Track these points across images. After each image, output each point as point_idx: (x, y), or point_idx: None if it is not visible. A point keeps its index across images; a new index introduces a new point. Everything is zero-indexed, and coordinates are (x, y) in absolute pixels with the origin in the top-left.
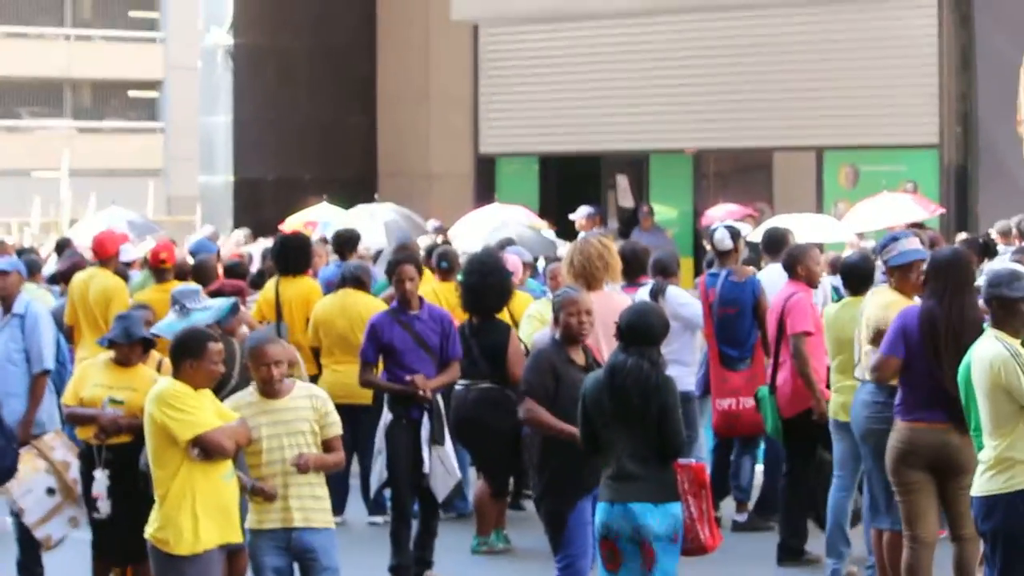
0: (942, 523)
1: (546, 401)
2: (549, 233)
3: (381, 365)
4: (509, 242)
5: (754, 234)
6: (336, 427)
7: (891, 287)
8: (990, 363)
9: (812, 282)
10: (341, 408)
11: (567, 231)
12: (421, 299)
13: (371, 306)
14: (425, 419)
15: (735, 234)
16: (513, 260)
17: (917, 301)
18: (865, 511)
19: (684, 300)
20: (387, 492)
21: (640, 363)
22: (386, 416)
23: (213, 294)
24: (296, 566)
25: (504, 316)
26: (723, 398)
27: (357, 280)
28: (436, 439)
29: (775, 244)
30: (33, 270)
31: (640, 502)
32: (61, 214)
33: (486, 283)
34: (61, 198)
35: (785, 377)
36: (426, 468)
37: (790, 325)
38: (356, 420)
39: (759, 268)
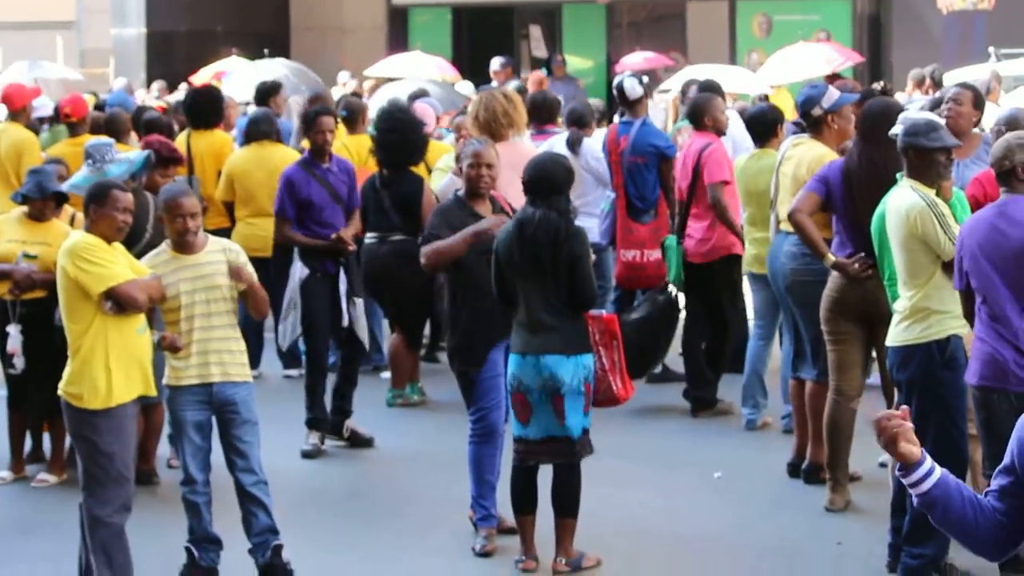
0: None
1: None
2: (464, 86)
3: None
4: (422, 93)
5: (668, 82)
6: (252, 276)
7: (814, 137)
8: (906, 213)
9: (720, 130)
10: (257, 260)
11: (482, 82)
12: (330, 153)
13: (288, 158)
14: (342, 272)
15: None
16: (424, 109)
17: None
18: (784, 361)
19: (599, 154)
20: (302, 345)
21: (548, 214)
22: (301, 270)
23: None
24: (215, 420)
25: (420, 167)
26: (628, 249)
27: (265, 133)
28: (355, 291)
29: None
30: None
31: (552, 354)
32: None
33: (398, 137)
34: None
35: (701, 226)
36: (346, 321)
37: (707, 175)
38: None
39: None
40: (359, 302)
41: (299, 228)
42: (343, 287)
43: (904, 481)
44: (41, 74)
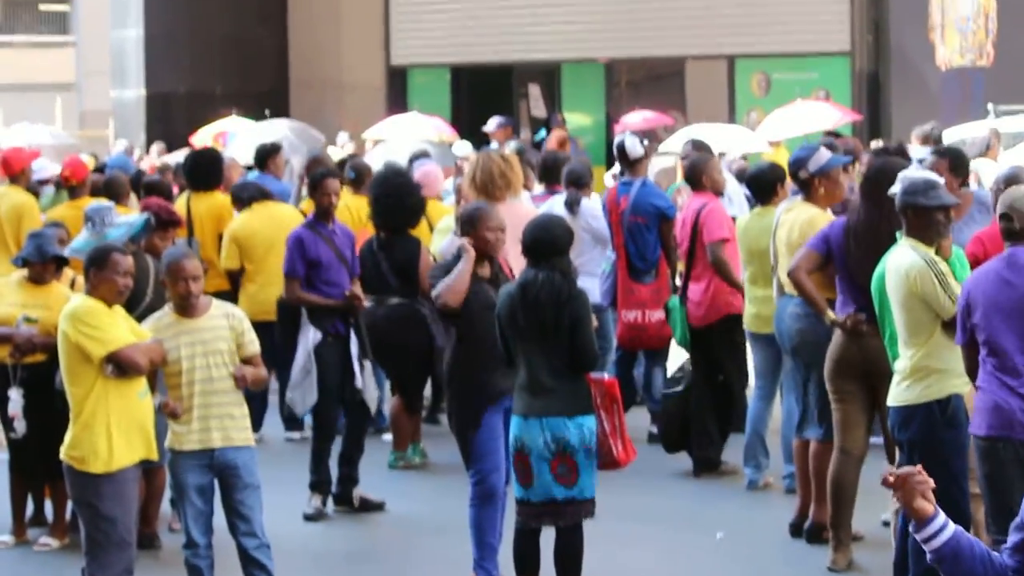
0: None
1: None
2: (461, 146)
3: None
4: (423, 154)
5: (668, 143)
6: (255, 344)
7: (806, 199)
8: (906, 272)
9: (717, 191)
10: (266, 324)
11: (482, 142)
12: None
13: (290, 215)
14: (352, 334)
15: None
16: (429, 172)
17: (830, 215)
18: (785, 420)
19: (597, 213)
20: (296, 411)
21: (551, 276)
22: (313, 335)
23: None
24: (217, 484)
25: (422, 225)
26: (629, 310)
27: (264, 192)
28: (365, 353)
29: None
30: None
31: (554, 416)
32: None
33: (396, 200)
34: None
35: (699, 288)
36: (359, 383)
37: (707, 234)
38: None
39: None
40: (367, 365)
41: (308, 289)
42: (354, 349)
43: (917, 536)
44: (35, 140)
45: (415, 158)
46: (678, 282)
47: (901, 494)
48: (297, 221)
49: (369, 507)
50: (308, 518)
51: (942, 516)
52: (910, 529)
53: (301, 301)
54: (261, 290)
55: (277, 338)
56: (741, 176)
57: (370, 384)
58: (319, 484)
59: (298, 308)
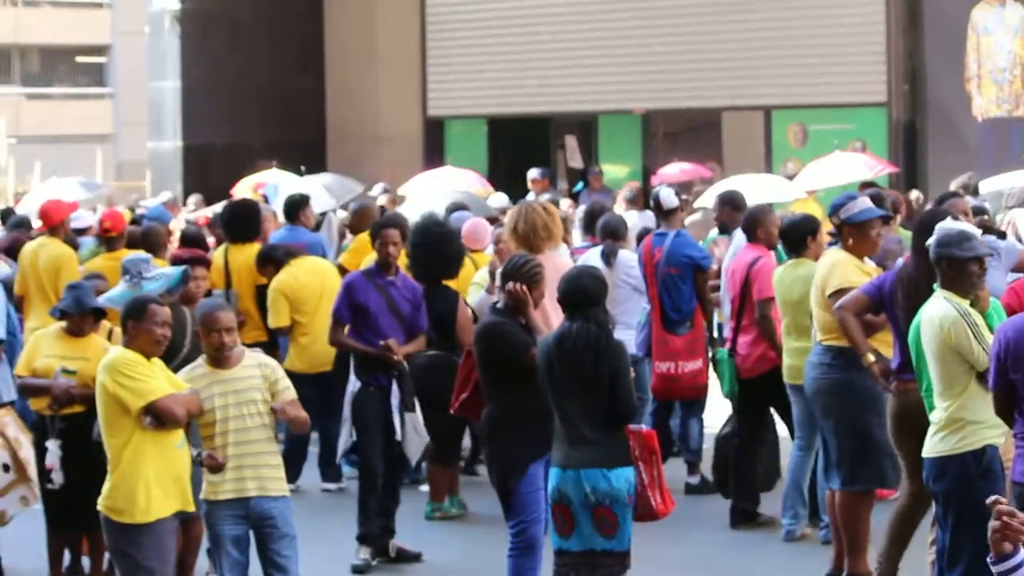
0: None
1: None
2: (497, 199)
3: None
4: (461, 206)
5: (704, 197)
6: (290, 391)
7: (843, 247)
8: (940, 323)
9: (771, 244)
10: (316, 376)
11: (518, 192)
12: (396, 266)
13: (332, 269)
14: (394, 386)
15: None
16: (476, 226)
17: (868, 263)
18: (820, 471)
19: (634, 264)
20: (340, 459)
21: (587, 327)
22: (354, 383)
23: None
24: (253, 534)
25: (470, 271)
26: (663, 361)
27: (290, 253)
28: (408, 406)
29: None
30: None
31: (593, 467)
32: (6, 182)
33: (434, 251)
34: (2, 165)
35: (747, 340)
36: (399, 435)
37: (757, 290)
38: (327, 387)
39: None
40: (411, 417)
41: (355, 336)
42: (395, 400)
43: (996, 569)
44: (68, 194)
45: (452, 210)
46: (715, 333)
47: (999, 528)
48: (333, 272)
49: (406, 558)
50: (356, 570)
51: (1022, 552)
52: (988, 560)
53: (341, 345)
54: (313, 343)
55: (333, 383)
56: None
57: (413, 437)
58: (366, 536)
59: (348, 356)
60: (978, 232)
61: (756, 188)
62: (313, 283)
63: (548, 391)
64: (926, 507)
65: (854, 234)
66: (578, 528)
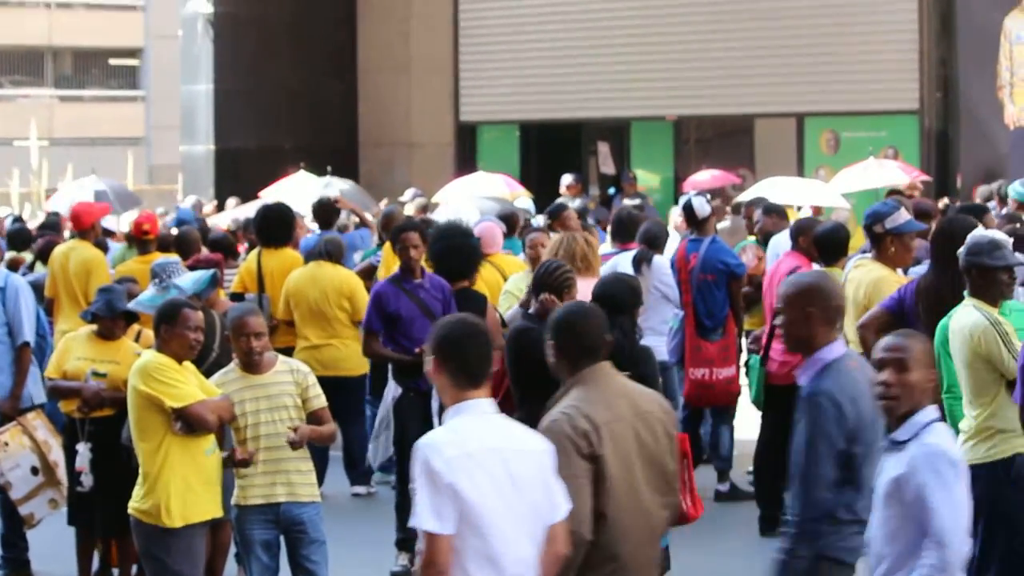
0: None
1: None
2: (523, 201)
3: None
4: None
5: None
6: (320, 399)
7: (876, 257)
8: (970, 332)
9: (813, 256)
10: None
11: (549, 198)
12: (422, 267)
13: (341, 277)
14: (434, 391)
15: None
16: (488, 228)
17: (901, 274)
18: None
19: (668, 270)
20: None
21: (613, 335)
22: (394, 389)
23: (192, 267)
24: (283, 539)
25: (495, 277)
26: (697, 367)
27: (328, 253)
28: None
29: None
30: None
31: None
32: (40, 184)
33: (450, 245)
34: (34, 168)
35: (779, 348)
36: None
37: None
38: (335, 392)
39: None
40: None
41: (389, 343)
42: (435, 404)
43: None
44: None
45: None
46: (743, 341)
47: None
48: (344, 279)
49: None
50: None
51: None
52: None
53: (377, 356)
54: (314, 350)
55: (370, 391)
56: None
57: None
58: (405, 541)
59: (386, 363)
60: (1009, 241)
61: (794, 191)
62: (312, 293)
63: None
64: None
65: (896, 244)
66: None
